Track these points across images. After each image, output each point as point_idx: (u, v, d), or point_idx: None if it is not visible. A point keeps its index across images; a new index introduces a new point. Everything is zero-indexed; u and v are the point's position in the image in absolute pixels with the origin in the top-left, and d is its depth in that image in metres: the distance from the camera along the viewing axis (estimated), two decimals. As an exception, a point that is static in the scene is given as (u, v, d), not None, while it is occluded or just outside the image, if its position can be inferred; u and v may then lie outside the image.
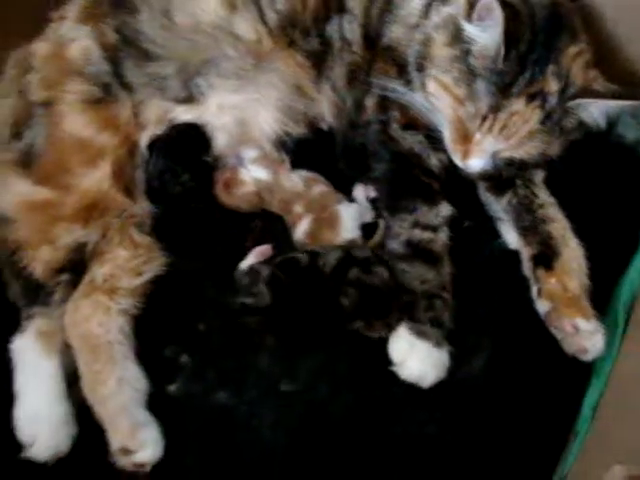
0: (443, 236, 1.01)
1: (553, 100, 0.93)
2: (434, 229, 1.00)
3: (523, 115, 0.93)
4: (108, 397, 0.98)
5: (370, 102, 1.12)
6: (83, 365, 1.01)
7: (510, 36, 0.89)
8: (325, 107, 1.15)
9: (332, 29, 1.11)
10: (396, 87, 1.06)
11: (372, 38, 1.11)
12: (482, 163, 0.98)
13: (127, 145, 1.11)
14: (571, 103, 0.93)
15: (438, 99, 1.00)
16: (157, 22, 1.11)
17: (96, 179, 1.06)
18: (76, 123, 1.08)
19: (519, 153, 0.97)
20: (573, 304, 0.95)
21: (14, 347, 1.02)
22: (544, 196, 1.05)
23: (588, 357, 0.94)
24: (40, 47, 1.13)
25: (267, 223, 1.12)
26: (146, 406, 0.99)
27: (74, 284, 1.05)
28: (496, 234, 1.07)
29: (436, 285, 0.98)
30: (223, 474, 0.97)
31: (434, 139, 1.04)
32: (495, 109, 0.93)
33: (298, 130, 1.16)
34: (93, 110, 1.09)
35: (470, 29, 0.93)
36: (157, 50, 1.11)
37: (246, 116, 1.15)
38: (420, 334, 0.95)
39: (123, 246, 1.09)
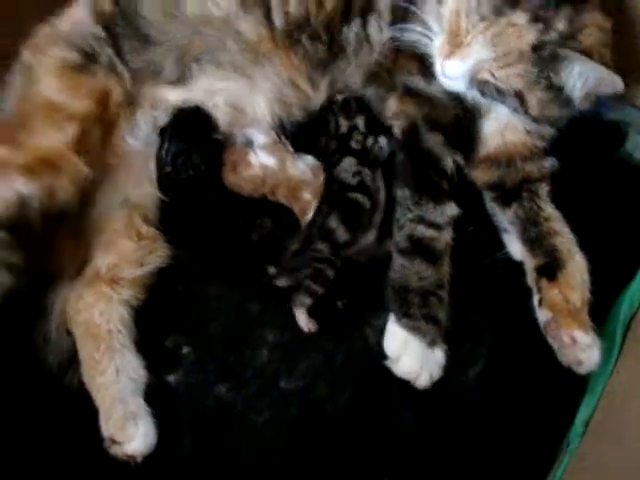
0: (446, 235, 1.00)
1: (553, 35, 0.91)
2: (438, 227, 1.00)
3: (520, 30, 0.91)
4: (105, 385, 0.99)
5: (393, 100, 1.10)
6: (83, 352, 1.02)
7: None
8: (319, 103, 1.15)
9: (350, 32, 1.10)
10: (420, 82, 1.06)
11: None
12: (461, 69, 0.95)
13: (106, 118, 1.09)
14: (563, 50, 0.91)
15: (447, 2, 0.97)
16: (160, 8, 1.10)
17: (56, 139, 1.03)
18: (50, 86, 1.06)
19: (500, 75, 0.94)
20: (573, 316, 0.95)
21: None
22: (549, 209, 1.04)
23: (582, 370, 0.94)
24: (44, 26, 1.13)
25: (275, 222, 1.12)
26: (143, 396, 1.00)
27: (11, 246, 1.00)
28: (500, 244, 1.08)
29: (433, 282, 0.97)
30: (218, 467, 0.98)
31: (453, 140, 1.04)
32: (498, 12, 0.91)
33: (292, 116, 1.15)
34: (72, 76, 1.07)
35: None
36: (156, 36, 1.10)
37: (237, 100, 1.14)
38: (414, 330, 0.94)
39: (128, 236, 1.09)
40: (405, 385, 0.96)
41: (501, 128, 1.07)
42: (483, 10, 0.92)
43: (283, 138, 1.16)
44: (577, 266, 0.98)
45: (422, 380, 0.94)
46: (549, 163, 1.07)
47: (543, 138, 1.06)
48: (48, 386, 1.02)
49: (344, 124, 1.13)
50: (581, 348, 0.93)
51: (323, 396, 0.99)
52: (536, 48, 0.91)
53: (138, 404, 0.99)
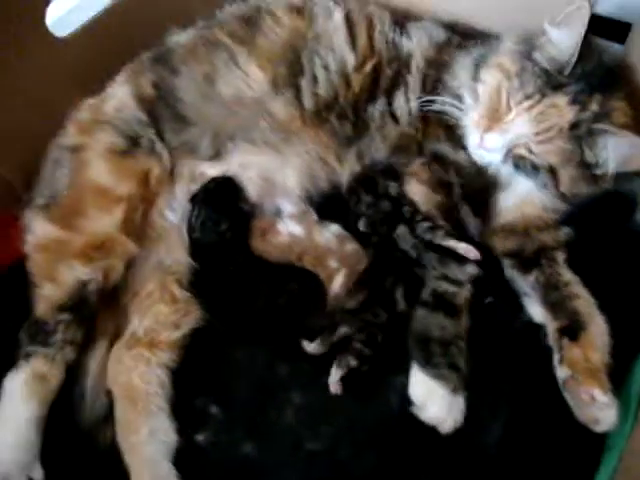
0: (466, 292, 1.05)
1: (588, 114, 1.00)
2: (459, 284, 1.05)
3: (561, 110, 1.00)
4: (137, 446, 1.02)
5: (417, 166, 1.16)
6: (119, 412, 1.06)
7: (583, 52, 0.99)
8: (345, 177, 1.21)
9: (375, 109, 1.18)
10: (446, 148, 1.13)
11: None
12: (500, 142, 1.03)
13: (148, 196, 1.17)
14: (599, 125, 1.00)
15: (485, 80, 1.07)
16: (196, 88, 1.19)
17: (106, 224, 1.11)
18: (99, 170, 1.14)
19: (537, 150, 1.02)
20: (593, 375, 0.97)
21: (5, 384, 1.03)
22: (568, 275, 1.08)
23: (599, 428, 0.95)
24: (87, 102, 1.22)
25: (302, 285, 1.15)
26: (172, 459, 1.02)
27: (76, 325, 1.07)
28: (517, 311, 1.11)
29: (452, 333, 1.01)
30: (246, 526, 1.00)
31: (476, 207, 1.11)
32: (542, 93, 1.00)
33: (319, 188, 1.22)
34: (118, 161, 1.15)
35: (551, 31, 1.02)
36: (193, 116, 1.19)
37: (269, 175, 1.21)
38: (438, 377, 0.97)
39: (164, 301, 1.15)
40: (427, 449, 0.99)
41: (518, 202, 1.13)
42: (528, 90, 1.02)
43: (309, 208, 1.22)
44: (598, 329, 1.01)
45: (447, 425, 0.96)
46: (564, 233, 1.12)
47: (558, 212, 1.11)
48: (81, 444, 1.05)
49: (393, 188, 1.17)
50: (599, 407, 0.95)
51: (348, 458, 1.01)
52: (574, 126, 1.00)
53: (167, 467, 1.01)
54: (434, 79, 1.18)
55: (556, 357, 1.02)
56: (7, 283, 1.20)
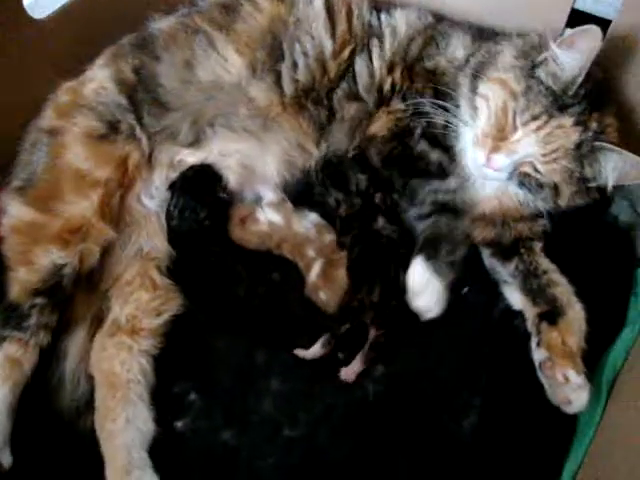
0: (462, 195, 1.12)
1: (589, 134, 1.03)
2: (453, 192, 1.11)
3: (567, 131, 1.02)
4: (114, 434, 1.02)
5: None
6: (99, 399, 1.06)
7: (589, 73, 1.00)
8: (318, 157, 1.22)
9: (337, 94, 1.19)
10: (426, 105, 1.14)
11: (410, 65, 1.19)
12: (506, 163, 1.04)
13: (124, 181, 1.16)
14: (600, 142, 1.03)
15: (487, 96, 1.07)
16: (177, 74, 1.18)
17: (83, 207, 1.11)
18: (77, 155, 1.13)
19: (543, 169, 1.05)
20: (568, 357, 1.00)
21: None
22: (546, 263, 1.11)
23: (571, 409, 0.99)
24: (65, 85, 1.21)
25: (283, 275, 1.16)
26: (148, 448, 1.03)
27: (50, 309, 1.06)
28: (494, 299, 1.13)
29: (460, 234, 1.08)
30: (223, 511, 1.01)
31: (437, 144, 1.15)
32: (549, 115, 1.02)
33: (296, 177, 1.23)
34: (96, 145, 1.14)
35: (557, 51, 1.02)
36: (173, 101, 1.18)
37: (249, 162, 1.21)
38: (438, 272, 1.04)
39: (144, 287, 1.15)
40: (403, 436, 1.02)
41: (497, 193, 1.15)
42: (535, 110, 1.02)
43: (285, 196, 1.23)
44: (576, 314, 1.04)
45: (431, 314, 1.05)
46: (540, 224, 1.15)
47: (535, 207, 1.12)
48: (58, 428, 1.05)
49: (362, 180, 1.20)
50: (572, 388, 0.98)
51: (324, 445, 1.02)
52: (578, 146, 1.03)
53: (141, 456, 1.02)
54: (421, 45, 1.19)
55: (534, 340, 1.05)
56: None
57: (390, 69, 1.19)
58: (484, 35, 1.20)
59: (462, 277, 1.10)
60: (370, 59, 1.19)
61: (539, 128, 1.02)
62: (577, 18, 1.19)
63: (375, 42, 1.20)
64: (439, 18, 1.25)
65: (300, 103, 1.19)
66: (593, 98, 1.03)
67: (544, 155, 1.03)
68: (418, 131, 1.15)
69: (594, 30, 0.98)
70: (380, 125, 1.18)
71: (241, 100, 1.18)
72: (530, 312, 1.08)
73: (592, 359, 1.03)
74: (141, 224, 1.19)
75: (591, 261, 1.13)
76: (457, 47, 1.18)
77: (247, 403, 1.06)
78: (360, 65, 1.19)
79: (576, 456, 0.99)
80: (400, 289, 1.07)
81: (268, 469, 1.01)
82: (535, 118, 1.02)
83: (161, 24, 1.23)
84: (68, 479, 1.02)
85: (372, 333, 1.06)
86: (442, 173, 1.13)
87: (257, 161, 1.21)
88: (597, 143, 1.03)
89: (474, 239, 1.17)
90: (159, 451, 1.03)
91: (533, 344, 1.05)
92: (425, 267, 1.05)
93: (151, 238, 1.19)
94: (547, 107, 1.02)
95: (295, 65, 1.19)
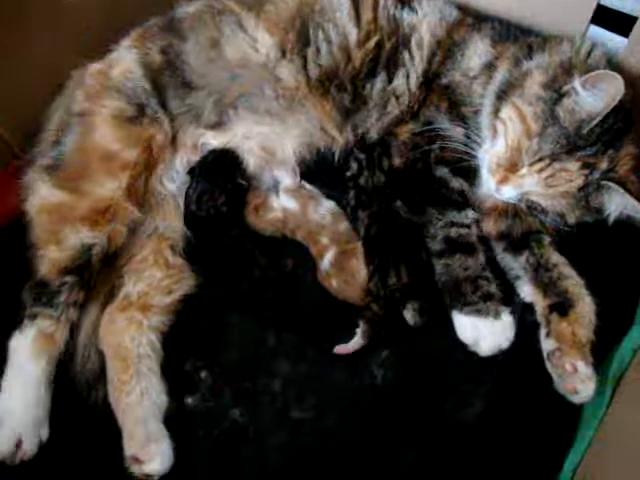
0: (475, 230, 1.12)
1: (596, 175, 1.02)
2: (467, 226, 1.12)
3: (571, 175, 1.02)
4: (130, 407, 1.05)
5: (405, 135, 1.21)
6: (112, 373, 1.08)
7: (612, 110, 0.99)
8: (341, 147, 1.24)
9: (374, 86, 1.20)
10: (443, 120, 1.16)
11: (429, 79, 1.21)
12: (513, 194, 1.07)
13: (150, 163, 1.18)
14: (605, 182, 1.02)
15: (506, 125, 1.07)
16: (203, 53, 1.20)
17: (111, 188, 1.13)
18: (106, 136, 1.15)
19: (546, 203, 1.06)
20: (577, 348, 1.02)
21: (11, 343, 1.06)
22: (556, 256, 1.12)
23: (577, 399, 1.00)
24: (93, 66, 1.23)
25: (298, 261, 1.18)
26: (163, 420, 1.05)
27: (79, 287, 1.09)
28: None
29: (477, 269, 1.08)
30: (229, 487, 1.03)
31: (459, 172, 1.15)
32: (554, 158, 1.02)
33: (310, 158, 1.25)
34: (124, 127, 1.16)
35: (579, 88, 1.01)
36: (198, 81, 1.20)
37: (270, 144, 1.23)
38: (477, 313, 1.05)
39: (158, 265, 1.17)
40: (409, 422, 1.03)
41: None
42: (543, 152, 1.03)
43: (304, 182, 1.24)
44: (587, 307, 1.06)
45: (505, 345, 1.05)
46: (550, 218, 1.13)
47: None
48: (71, 400, 1.07)
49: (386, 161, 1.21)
50: (580, 378, 1.00)
51: (332, 428, 1.04)
52: (582, 188, 1.03)
53: (158, 427, 1.04)
54: (440, 60, 1.20)
55: (543, 331, 1.07)
56: (3, 242, 1.22)
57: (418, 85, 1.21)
58: (510, 35, 1.19)
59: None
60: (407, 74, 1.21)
61: (542, 170, 1.03)
62: (603, 14, 1.18)
63: (407, 57, 1.20)
64: (463, 12, 1.25)
65: (324, 87, 1.20)
66: (611, 137, 1.02)
67: (544, 194, 1.05)
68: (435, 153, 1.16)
69: (618, 78, 0.96)
70: (405, 128, 1.21)
71: (267, 80, 1.19)
72: (541, 304, 1.09)
73: (599, 355, 1.04)
74: (160, 205, 1.21)
75: (602, 259, 1.14)
76: (471, 57, 1.18)
77: (257, 383, 1.08)
78: (398, 79, 1.21)
79: (579, 448, 1.00)
80: (425, 266, 1.10)
81: (275, 449, 1.03)
82: (541, 159, 1.02)
83: (188, 8, 1.25)
84: (84, 451, 1.04)
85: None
86: (463, 202, 1.14)
87: (278, 144, 1.22)
88: (603, 182, 1.03)
89: (487, 233, 1.18)
90: (168, 427, 1.04)
91: (542, 335, 1.07)
92: (463, 316, 1.06)
93: (168, 218, 1.21)
94: (555, 150, 1.01)
95: (318, 51, 1.20)
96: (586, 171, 1.02)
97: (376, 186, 1.20)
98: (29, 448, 1.00)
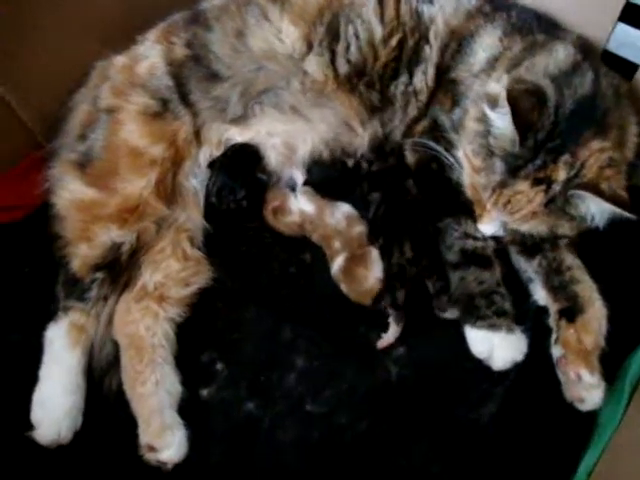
0: (492, 243, 1.11)
1: (557, 187, 0.97)
2: (483, 239, 1.10)
3: (527, 195, 0.98)
4: (145, 396, 1.05)
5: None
6: (127, 363, 1.09)
7: (527, 125, 0.95)
8: (365, 141, 1.24)
9: (398, 87, 1.20)
10: (444, 121, 1.16)
11: (440, 73, 1.20)
12: (492, 229, 1.07)
13: (177, 159, 1.19)
14: (571, 192, 0.97)
15: (464, 164, 1.08)
16: (228, 43, 1.20)
17: (140, 186, 1.14)
18: (133, 132, 1.16)
19: (525, 228, 1.04)
20: (582, 356, 1.01)
21: (46, 334, 1.08)
22: (570, 259, 1.11)
23: (584, 407, 1.00)
24: (118, 60, 1.24)
25: (315, 255, 1.18)
26: (177, 409, 1.06)
27: (108, 282, 1.12)
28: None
29: (492, 284, 1.06)
30: (241, 478, 1.03)
31: None
32: (502, 185, 1.00)
33: (327, 156, 1.24)
34: (150, 123, 1.17)
35: (490, 114, 1.00)
36: (224, 71, 1.20)
37: (292, 141, 1.23)
38: (490, 327, 1.03)
39: (175, 257, 1.18)
40: (421, 421, 1.03)
41: None
42: (491, 184, 1.02)
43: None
44: (596, 312, 1.04)
45: (519, 360, 1.03)
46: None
47: None
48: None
49: None
50: (584, 386, 0.99)
51: (344, 423, 1.04)
52: (548, 203, 0.99)
53: (173, 416, 1.05)
54: (452, 53, 1.18)
55: (553, 337, 1.06)
56: (23, 231, 1.25)
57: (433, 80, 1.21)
58: (523, 32, 1.15)
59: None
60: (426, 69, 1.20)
61: (497, 200, 1.01)
62: (632, 12, 1.16)
63: (427, 51, 1.19)
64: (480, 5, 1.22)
65: (352, 83, 1.20)
66: (557, 143, 0.97)
67: (515, 222, 1.03)
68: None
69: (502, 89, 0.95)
70: (419, 127, 1.21)
71: (294, 73, 1.20)
72: (552, 308, 1.09)
73: (616, 360, 1.03)
74: (182, 198, 1.22)
75: (619, 264, 1.13)
76: (477, 50, 1.16)
77: (272, 377, 1.09)
78: (417, 76, 1.20)
79: (594, 452, 0.99)
80: (432, 242, 1.10)
81: (288, 442, 1.04)
82: (493, 191, 1.01)
83: (214, 1, 1.25)
84: (99, 438, 1.05)
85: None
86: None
87: (300, 140, 1.22)
88: (570, 192, 0.97)
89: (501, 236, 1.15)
90: (183, 418, 1.05)
91: (552, 340, 1.06)
92: (476, 330, 1.04)
93: (187, 210, 1.22)
94: (501, 178, 1.00)
95: (348, 46, 1.20)
96: (541, 187, 0.97)
97: (388, 167, 1.21)
98: (66, 434, 1.03)
